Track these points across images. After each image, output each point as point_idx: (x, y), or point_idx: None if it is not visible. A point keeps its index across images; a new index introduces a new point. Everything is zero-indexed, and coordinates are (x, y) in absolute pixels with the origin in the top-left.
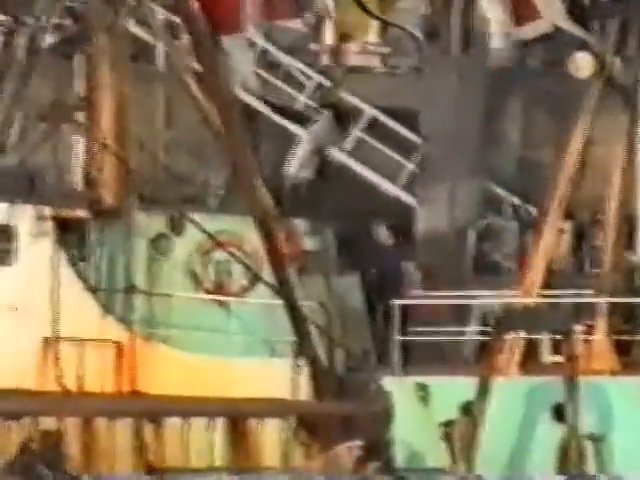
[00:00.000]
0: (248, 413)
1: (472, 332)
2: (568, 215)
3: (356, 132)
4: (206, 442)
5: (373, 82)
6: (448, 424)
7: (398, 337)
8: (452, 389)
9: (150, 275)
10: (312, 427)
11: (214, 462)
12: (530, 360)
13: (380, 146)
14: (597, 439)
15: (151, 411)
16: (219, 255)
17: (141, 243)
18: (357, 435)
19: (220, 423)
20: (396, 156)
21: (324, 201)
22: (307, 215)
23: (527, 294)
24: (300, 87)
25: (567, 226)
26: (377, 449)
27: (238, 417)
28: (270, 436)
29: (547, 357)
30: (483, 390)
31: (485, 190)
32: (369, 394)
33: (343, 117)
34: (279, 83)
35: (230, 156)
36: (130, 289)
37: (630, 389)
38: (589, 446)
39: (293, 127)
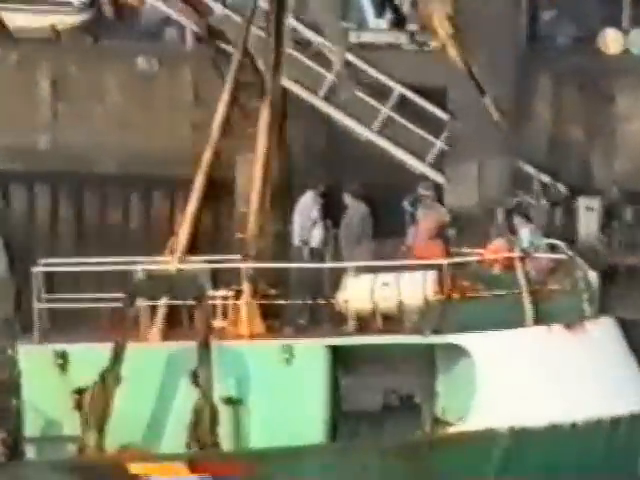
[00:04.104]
0: None
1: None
2: (597, 192)
3: (385, 110)
4: None
5: (401, 59)
6: (80, 391)
7: (38, 305)
8: (91, 356)
9: None
10: None
11: None
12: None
13: (408, 124)
14: (233, 402)
15: None
16: None
17: None
18: None
19: None
20: (424, 134)
21: None
22: None
23: (171, 260)
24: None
25: (595, 203)
26: (3, 418)
27: None
28: None
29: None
30: (116, 357)
31: (514, 168)
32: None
33: None
34: (307, 61)
35: None
36: None
37: (268, 352)
38: (226, 410)
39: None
